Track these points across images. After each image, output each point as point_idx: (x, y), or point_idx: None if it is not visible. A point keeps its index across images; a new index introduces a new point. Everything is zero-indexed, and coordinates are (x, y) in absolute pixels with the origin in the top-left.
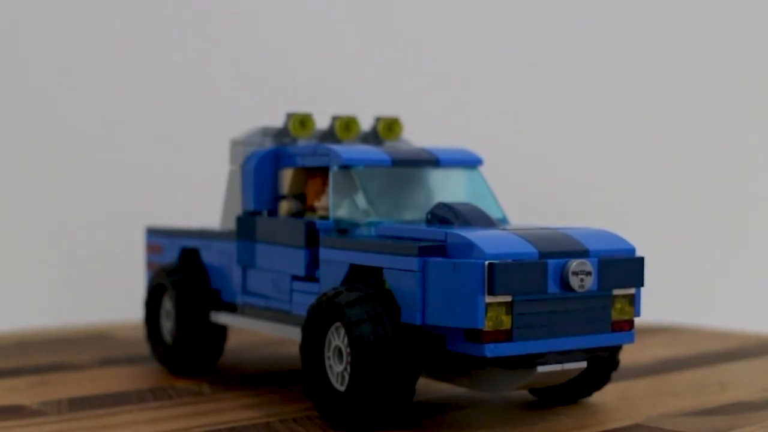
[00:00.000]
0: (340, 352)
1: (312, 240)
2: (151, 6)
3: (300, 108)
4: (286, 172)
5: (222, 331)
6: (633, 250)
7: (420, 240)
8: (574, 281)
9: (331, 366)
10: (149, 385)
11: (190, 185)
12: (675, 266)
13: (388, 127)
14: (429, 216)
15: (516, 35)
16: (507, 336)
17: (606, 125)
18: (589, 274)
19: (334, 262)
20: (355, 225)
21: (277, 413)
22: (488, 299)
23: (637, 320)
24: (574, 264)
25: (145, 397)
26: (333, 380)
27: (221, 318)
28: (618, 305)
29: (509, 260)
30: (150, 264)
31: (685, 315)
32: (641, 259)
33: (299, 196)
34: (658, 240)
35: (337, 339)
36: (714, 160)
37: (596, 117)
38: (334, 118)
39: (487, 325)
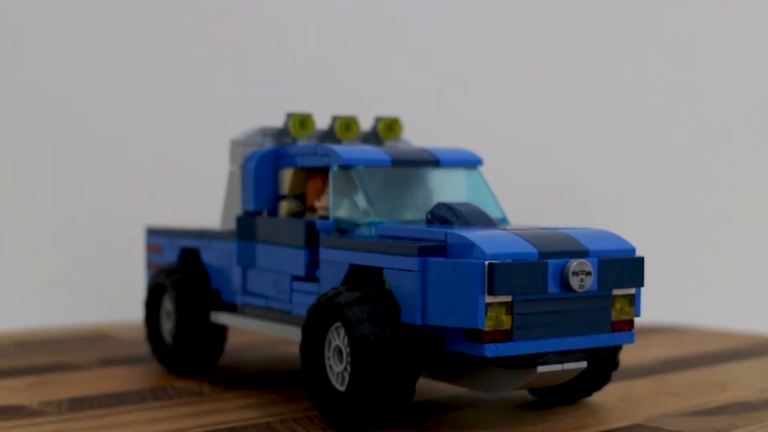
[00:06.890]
0: (340, 352)
1: (312, 240)
2: (151, 5)
3: (300, 108)
4: (286, 172)
5: (222, 331)
6: (633, 250)
7: (420, 240)
8: (574, 281)
9: (331, 366)
10: (149, 385)
11: (190, 185)
12: (675, 266)
13: (388, 127)
14: (429, 216)
15: (516, 35)
16: (507, 336)
17: (606, 125)
18: (589, 274)
19: (334, 262)
20: (355, 225)
21: (277, 413)
22: (488, 299)
23: (637, 320)
24: (574, 264)
25: (145, 397)
26: (333, 380)
27: (221, 318)
28: (618, 305)
29: (509, 260)
30: (150, 264)
31: (685, 315)
32: (641, 259)
33: (299, 196)
34: (658, 240)
35: (337, 339)
36: (714, 160)
37: (596, 117)
38: (334, 118)
39: (487, 325)
